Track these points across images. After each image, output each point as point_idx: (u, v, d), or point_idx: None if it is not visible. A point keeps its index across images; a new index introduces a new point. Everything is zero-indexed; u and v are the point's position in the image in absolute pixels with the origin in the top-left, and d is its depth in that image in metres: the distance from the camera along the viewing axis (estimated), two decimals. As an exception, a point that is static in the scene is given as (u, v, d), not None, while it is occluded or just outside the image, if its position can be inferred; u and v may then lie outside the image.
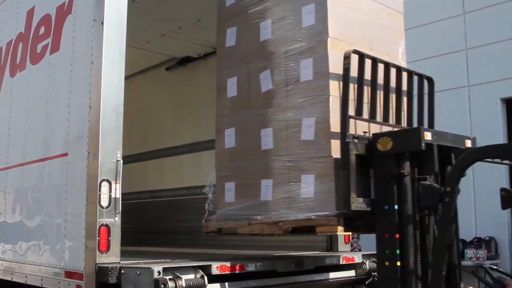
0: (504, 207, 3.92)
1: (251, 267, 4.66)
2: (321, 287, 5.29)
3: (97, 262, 4.44)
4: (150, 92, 8.76)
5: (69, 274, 4.83)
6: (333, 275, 5.31)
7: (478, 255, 11.09)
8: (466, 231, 11.97)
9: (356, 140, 4.11)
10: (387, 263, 3.96)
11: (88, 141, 4.76)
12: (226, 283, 4.49)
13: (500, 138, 12.43)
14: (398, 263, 3.91)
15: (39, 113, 5.76)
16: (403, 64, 5.03)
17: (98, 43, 4.77)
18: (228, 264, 4.50)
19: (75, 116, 5.10)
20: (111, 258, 4.51)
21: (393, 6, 5.15)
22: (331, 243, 5.99)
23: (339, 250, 5.89)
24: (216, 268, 4.39)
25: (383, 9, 5.03)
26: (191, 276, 4.20)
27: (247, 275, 4.66)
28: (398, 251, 3.92)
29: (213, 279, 4.34)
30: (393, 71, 4.62)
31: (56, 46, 5.61)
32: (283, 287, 4.89)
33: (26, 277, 5.59)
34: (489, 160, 3.74)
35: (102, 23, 4.73)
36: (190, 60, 8.13)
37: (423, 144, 3.92)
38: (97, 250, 4.47)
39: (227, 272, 4.48)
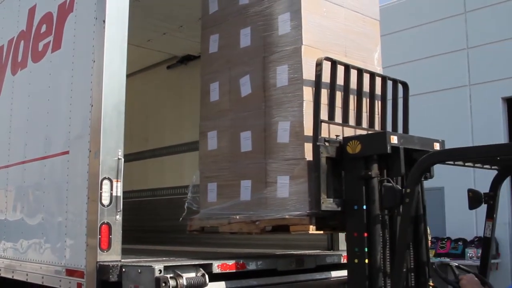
0: (471, 207, 4.13)
1: (252, 266, 4.66)
2: (321, 286, 5.28)
3: (98, 260, 4.45)
4: (151, 90, 8.76)
5: (70, 272, 4.84)
6: (334, 274, 5.31)
7: (479, 255, 11.08)
8: (467, 231, 12.00)
9: (327, 144, 4.29)
10: (356, 261, 4.13)
11: (89, 139, 4.76)
12: (227, 282, 4.50)
13: (501, 137, 12.44)
14: (366, 261, 4.06)
15: (41, 111, 5.76)
16: (378, 69, 5.21)
17: (100, 42, 4.77)
18: (229, 262, 4.50)
19: (77, 114, 5.11)
20: (112, 256, 4.52)
21: (369, 13, 5.30)
22: (332, 242, 5.99)
23: (340, 249, 5.89)
24: (217, 266, 4.39)
25: (358, 16, 5.18)
26: (192, 274, 4.21)
27: (248, 273, 4.67)
28: (366, 249, 4.08)
29: (214, 277, 4.35)
30: (366, 77, 4.79)
31: (57, 44, 5.61)
32: (283, 286, 4.89)
33: (27, 275, 5.59)
34: (451, 163, 3.85)
35: (104, 21, 4.73)
36: (191, 59, 8.12)
37: (389, 148, 4.10)
38: (98, 248, 4.47)
39: (228, 271, 4.48)
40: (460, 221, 11.71)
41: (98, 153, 4.60)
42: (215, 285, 4.39)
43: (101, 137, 4.60)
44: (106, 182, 4.57)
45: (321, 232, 4.50)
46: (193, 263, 4.34)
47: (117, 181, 4.61)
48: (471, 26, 13.52)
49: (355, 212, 4.20)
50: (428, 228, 9.45)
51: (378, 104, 4.98)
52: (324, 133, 4.44)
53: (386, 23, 16.73)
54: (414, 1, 14.96)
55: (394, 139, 4.16)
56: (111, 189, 4.57)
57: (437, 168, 4.33)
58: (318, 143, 4.25)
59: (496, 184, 4.20)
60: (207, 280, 4.22)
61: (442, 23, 14.04)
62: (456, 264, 3.97)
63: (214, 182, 5.17)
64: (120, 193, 4.61)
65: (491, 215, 4.24)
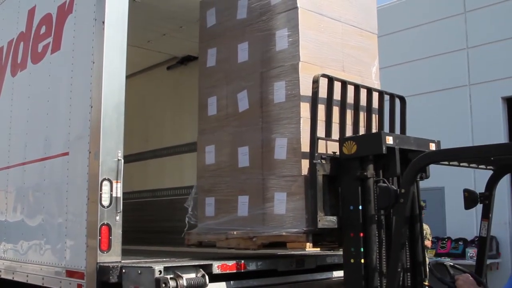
0: (467, 207, 4.14)
1: (252, 266, 4.66)
2: (322, 286, 5.28)
3: (98, 261, 4.46)
4: (151, 91, 8.75)
5: (70, 273, 4.84)
6: (334, 274, 5.31)
7: (479, 254, 11.09)
8: (467, 230, 11.99)
9: (323, 161, 4.32)
10: (352, 261, 4.16)
11: (89, 140, 4.77)
12: (227, 282, 4.50)
13: (501, 136, 12.43)
14: (362, 261, 4.10)
15: (40, 112, 5.76)
16: (376, 83, 5.24)
17: (99, 43, 4.78)
18: (229, 263, 4.50)
19: (76, 115, 5.11)
20: (112, 257, 4.52)
21: (366, 27, 5.33)
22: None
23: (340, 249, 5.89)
24: (217, 267, 4.39)
25: (356, 31, 5.20)
26: (192, 275, 4.21)
27: (248, 274, 4.67)
28: (362, 249, 4.11)
29: (214, 278, 4.34)
30: (363, 92, 4.81)
31: (57, 45, 5.61)
32: (284, 286, 4.89)
33: (27, 276, 5.60)
34: (446, 163, 3.87)
35: (103, 22, 4.74)
36: (191, 59, 8.10)
37: (384, 148, 4.12)
38: (98, 249, 4.48)
39: (228, 271, 4.48)
40: (460, 221, 11.69)
41: (98, 154, 4.60)
42: (215, 286, 4.38)
43: (100, 138, 4.61)
44: (106, 183, 4.57)
45: (318, 249, 4.53)
46: (193, 263, 4.33)
47: (117, 182, 4.61)
48: (471, 26, 13.52)
49: (351, 212, 4.22)
50: (429, 228, 9.48)
51: (375, 119, 5.00)
52: (321, 149, 4.46)
53: (386, 23, 16.75)
54: (414, 1, 14.95)
55: (389, 140, 4.17)
56: (111, 190, 4.58)
57: (438, 168, 4.33)
58: (314, 161, 4.27)
59: (491, 184, 4.20)
60: (207, 280, 4.22)
61: (442, 23, 14.03)
62: (452, 263, 3.99)
63: (212, 196, 5.17)
64: (120, 194, 4.62)
65: (486, 215, 4.23)
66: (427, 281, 4.23)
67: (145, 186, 8.64)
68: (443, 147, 4.66)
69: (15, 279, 5.85)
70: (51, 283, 5.15)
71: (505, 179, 11.51)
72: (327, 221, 4.28)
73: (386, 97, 5.08)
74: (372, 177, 4.20)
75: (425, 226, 9.50)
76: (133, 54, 5.98)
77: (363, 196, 4.19)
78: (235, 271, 4.53)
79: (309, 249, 4.38)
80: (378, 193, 3.97)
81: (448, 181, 10.91)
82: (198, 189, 5.36)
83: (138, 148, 8.64)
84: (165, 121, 8.53)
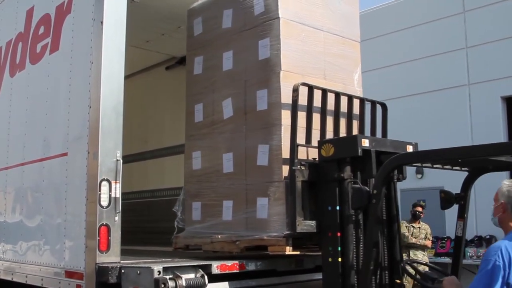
0: (443, 207, 4.25)
1: (251, 266, 4.66)
2: (321, 286, 5.27)
3: (97, 262, 4.45)
4: (150, 91, 8.74)
5: (70, 274, 4.83)
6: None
7: (479, 254, 11.12)
8: (467, 230, 11.99)
9: (303, 168, 4.45)
10: (330, 259, 4.28)
11: (88, 141, 4.76)
12: (227, 283, 4.49)
13: (500, 136, 12.43)
14: (340, 259, 4.21)
15: (39, 112, 5.76)
16: (358, 90, 5.36)
17: (98, 43, 4.77)
18: (228, 263, 4.50)
19: (75, 115, 5.10)
20: (111, 257, 4.52)
21: (349, 35, 5.42)
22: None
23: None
24: (216, 267, 4.39)
25: (338, 39, 5.30)
26: (192, 275, 4.20)
27: (248, 274, 4.66)
28: (339, 248, 4.22)
29: (213, 278, 4.34)
30: (344, 99, 4.93)
31: (55, 45, 5.61)
32: (283, 286, 4.88)
33: (26, 277, 5.59)
34: (419, 164, 3.97)
35: (102, 22, 4.74)
36: (190, 60, 8.11)
37: (359, 150, 4.23)
38: (97, 249, 4.47)
39: (227, 272, 4.47)
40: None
41: (97, 154, 4.60)
42: (215, 286, 4.38)
43: (99, 138, 4.61)
44: (104, 183, 4.56)
45: (298, 252, 4.60)
46: (192, 264, 4.33)
47: (115, 182, 4.61)
48: (470, 25, 13.53)
49: (328, 213, 4.33)
50: (429, 228, 9.48)
51: (357, 125, 5.10)
52: (303, 156, 4.58)
53: (385, 23, 16.80)
54: (413, 1, 14.96)
55: (365, 142, 4.28)
56: (110, 191, 4.57)
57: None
58: (293, 167, 4.39)
59: (466, 185, 4.28)
60: (207, 281, 4.21)
61: (441, 22, 14.04)
62: (425, 262, 4.14)
63: (199, 201, 5.30)
64: (119, 195, 4.61)
65: (462, 215, 4.31)
66: (404, 279, 4.29)
67: (145, 187, 8.63)
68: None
69: (14, 280, 5.84)
70: (50, 284, 5.14)
71: (505, 177, 11.50)
72: (306, 225, 4.40)
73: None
74: (349, 179, 4.30)
75: (425, 226, 9.52)
76: (132, 54, 5.98)
77: (340, 197, 4.30)
78: (234, 271, 4.53)
79: (289, 252, 4.47)
80: (352, 194, 4.06)
81: (447, 181, 10.89)
82: (186, 194, 5.49)
83: (137, 148, 8.63)
84: (164, 121, 8.52)
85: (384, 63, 14.99)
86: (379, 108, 5.21)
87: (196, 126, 5.46)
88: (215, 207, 5.10)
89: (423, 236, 9.37)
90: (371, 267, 4.05)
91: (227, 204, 4.98)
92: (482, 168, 4.14)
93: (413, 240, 9.24)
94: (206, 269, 4.31)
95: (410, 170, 4.82)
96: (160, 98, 8.56)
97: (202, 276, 4.22)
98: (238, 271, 4.56)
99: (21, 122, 6.13)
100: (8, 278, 5.97)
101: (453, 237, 13.09)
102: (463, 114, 13.30)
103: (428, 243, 9.44)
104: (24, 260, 5.70)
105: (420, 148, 4.42)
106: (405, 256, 8.98)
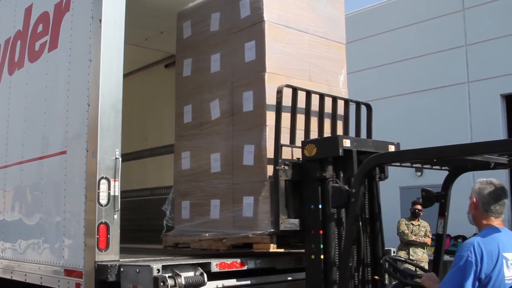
0: (424, 206, 4.38)
1: (250, 264, 4.66)
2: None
3: (96, 260, 4.45)
4: (149, 89, 8.73)
5: (69, 272, 4.83)
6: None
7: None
8: (467, 228, 11.98)
9: (286, 167, 4.54)
10: (313, 257, 4.36)
11: (86, 139, 4.76)
12: (226, 281, 4.49)
13: (500, 133, 12.44)
14: (322, 256, 4.31)
15: (38, 111, 5.75)
16: (343, 91, 5.46)
17: (96, 41, 4.76)
18: (227, 261, 4.50)
19: (74, 113, 5.09)
20: (110, 256, 4.52)
21: (334, 38, 5.52)
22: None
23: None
24: (215, 265, 4.39)
25: (323, 41, 5.40)
26: (191, 273, 4.21)
27: (247, 272, 4.66)
28: (322, 246, 4.32)
29: (212, 276, 4.34)
30: (328, 100, 5.01)
31: (54, 43, 5.59)
32: (282, 285, 4.88)
33: (25, 275, 5.59)
34: (397, 164, 4.05)
35: (100, 20, 4.73)
36: (189, 58, 8.09)
37: (341, 150, 4.33)
38: (96, 248, 4.47)
39: (226, 270, 4.47)
40: (459, 218, 11.67)
41: (96, 152, 4.59)
42: (214, 284, 4.38)
43: (98, 136, 4.60)
44: (103, 181, 4.56)
45: (282, 250, 4.67)
46: (191, 262, 4.33)
47: (114, 180, 4.60)
48: (470, 23, 13.52)
49: (311, 211, 4.41)
50: (428, 226, 9.48)
51: (342, 125, 5.19)
52: (287, 156, 4.69)
53: (384, 21, 16.79)
54: (412, -1, 14.96)
55: (346, 143, 4.37)
56: (109, 189, 4.57)
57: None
58: (277, 167, 4.50)
59: (447, 184, 4.34)
60: (206, 279, 4.22)
61: (440, 20, 14.04)
62: (404, 258, 4.23)
63: (188, 200, 5.43)
64: (117, 193, 4.61)
65: (443, 213, 4.40)
66: (386, 276, 4.41)
67: (144, 185, 8.62)
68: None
69: (14, 278, 5.84)
70: (49, 282, 5.14)
71: (505, 176, 11.51)
72: (289, 223, 4.50)
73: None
74: (331, 178, 4.39)
75: (425, 224, 9.51)
76: (131, 52, 5.97)
77: (322, 196, 4.38)
78: (233, 269, 4.52)
79: (273, 249, 4.55)
80: (331, 193, 4.13)
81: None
82: (175, 193, 5.62)
83: (137, 146, 8.62)
84: (163, 119, 8.50)
85: (383, 61, 15.00)
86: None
87: (185, 127, 5.59)
88: (203, 206, 5.21)
89: (422, 233, 9.37)
90: (354, 264, 4.19)
91: (215, 203, 5.10)
92: (461, 167, 4.23)
93: (413, 238, 9.23)
94: (205, 267, 4.31)
95: (410, 168, 4.84)
96: (159, 96, 8.55)
97: (201, 274, 4.22)
98: (237, 269, 4.55)
99: (20, 120, 6.12)
100: (8, 276, 5.97)
101: (452, 234, 13.16)
102: (463, 112, 13.30)
103: (428, 240, 9.43)
104: (23, 259, 5.70)
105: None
106: (404, 254, 9.00)
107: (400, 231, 9.31)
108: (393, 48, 14.90)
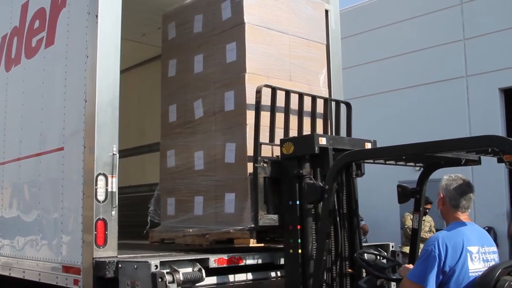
0: (400, 201, 4.46)
1: (249, 260, 4.66)
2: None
3: (94, 257, 4.45)
4: (146, 85, 8.71)
5: (67, 269, 4.83)
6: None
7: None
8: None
9: (265, 165, 4.68)
10: (291, 251, 4.49)
11: (84, 135, 4.75)
12: (224, 276, 4.49)
13: (498, 127, 12.44)
14: (300, 251, 4.42)
15: (35, 107, 5.74)
16: (323, 90, 5.58)
17: (93, 37, 4.75)
18: (225, 257, 4.49)
19: (71, 110, 5.08)
20: (108, 252, 4.52)
21: (314, 38, 5.63)
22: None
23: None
24: (213, 261, 4.38)
25: (303, 42, 5.51)
26: (189, 269, 4.20)
27: (245, 268, 4.66)
28: (299, 240, 4.44)
29: (211, 272, 4.34)
30: (308, 99, 5.13)
31: (51, 40, 5.58)
32: (281, 280, 4.88)
33: (24, 272, 5.59)
34: (371, 161, 4.13)
35: (97, 16, 4.71)
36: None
37: (317, 148, 4.44)
38: (94, 244, 4.47)
39: (225, 265, 4.47)
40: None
41: (93, 149, 4.59)
42: (212, 280, 4.38)
43: (95, 132, 4.60)
44: (101, 177, 4.56)
45: (262, 244, 4.78)
46: (189, 258, 4.32)
47: (112, 176, 4.60)
48: (468, 17, 13.50)
49: (289, 207, 4.53)
50: (432, 220, 9.43)
51: (322, 124, 5.28)
52: (268, 153, 4.81)
53: (382, 16, 16.75)
54: (410, -7, 14.93)
55: (322, 141, 4.49)
56: (106, 185, 4.57)
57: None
58: (256, 165, 4.62)
59: (421, 180, 4.47)
60: (204, 275, 4.21)
61: (438, 14, 14.02)
62: (377, 253, 4.35)
63: (173, 197, 5.56)
64: (115, 189, 4.61)
65: (417, 208, 4.52)
66: (364, 270, 4.41)
67: (142, 181, 8.61)
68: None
69: (12, 275, 5.84)
70: (47, 279, 5.14)
71: (503, 170, 11.51)
72: (268, 219, 4.64)
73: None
74: (307, 175, 4.48)
75: (429, 219, 9.52)
76: (128, 48, 5.96)
77: (300, 192, 4.48)
78: (232, 265, 4.52)
79: (253, 244, 4.65)
80: (306, 189, 4.23)
81: (445, 173, 10.90)
82: (161, 190, 5.76)
83: (134, 142, 8.61)
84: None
85: (381, 56, 14.98)
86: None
87: (170, 125, 5.72)
88: (187, 203, 5.34)
89: (427, 228, 9.38)
90: (332, 258, 4.34)
91: (198, 200, 5.23)
92: (434, 164, 4.33)
93: (418, 233, 9.21)
94: (204, 263, 4.31)
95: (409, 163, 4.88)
96: (157, 92, 8.53)
97: (200, 270, 4.21)
98: (235, 264, 4.55)
99: (17, 116, 6.12)
100: (6, 273, 5.98)
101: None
102: (461, 106, 13.30)
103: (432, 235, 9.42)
104: (21, 255, 5.70)
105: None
106: (406, 249, 8.97)
107: (406, 226, 9.25)
108: (390, 43, 14.88)
